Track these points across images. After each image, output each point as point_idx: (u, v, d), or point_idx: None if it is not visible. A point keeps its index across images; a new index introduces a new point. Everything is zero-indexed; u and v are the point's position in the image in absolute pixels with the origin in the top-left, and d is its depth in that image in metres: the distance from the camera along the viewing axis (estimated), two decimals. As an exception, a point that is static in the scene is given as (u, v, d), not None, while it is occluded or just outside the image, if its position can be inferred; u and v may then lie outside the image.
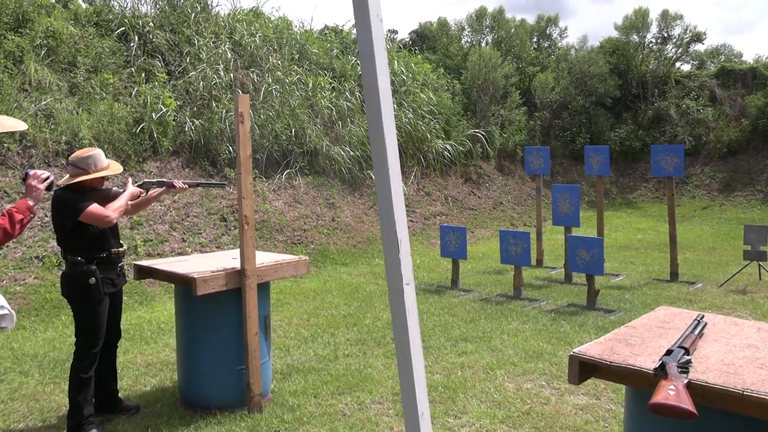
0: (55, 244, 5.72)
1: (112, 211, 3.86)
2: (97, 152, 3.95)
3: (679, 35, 21.30)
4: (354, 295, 7.66)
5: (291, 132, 11.52)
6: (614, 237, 12.31)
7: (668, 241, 8.88)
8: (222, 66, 11.41)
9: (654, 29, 21.23)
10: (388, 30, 22.57)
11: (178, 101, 10.49)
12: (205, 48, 11.56)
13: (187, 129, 10.15)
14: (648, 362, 2.17)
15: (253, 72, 11.99)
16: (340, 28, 16.41)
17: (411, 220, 12.56)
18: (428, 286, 8.25)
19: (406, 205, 12.78)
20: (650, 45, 21.32)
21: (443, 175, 14.68)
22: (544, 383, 4.67)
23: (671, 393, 1.92)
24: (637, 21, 20.97)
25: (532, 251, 8.12)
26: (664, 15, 21.20)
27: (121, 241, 4.12)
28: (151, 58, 10.95)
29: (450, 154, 14.74)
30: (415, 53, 18.63)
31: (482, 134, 16.07)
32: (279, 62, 12.65)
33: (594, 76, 19.64)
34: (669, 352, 2.16)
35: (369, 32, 0.95)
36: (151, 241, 8.48)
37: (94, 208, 3.79)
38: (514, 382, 4.73)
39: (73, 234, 3.83)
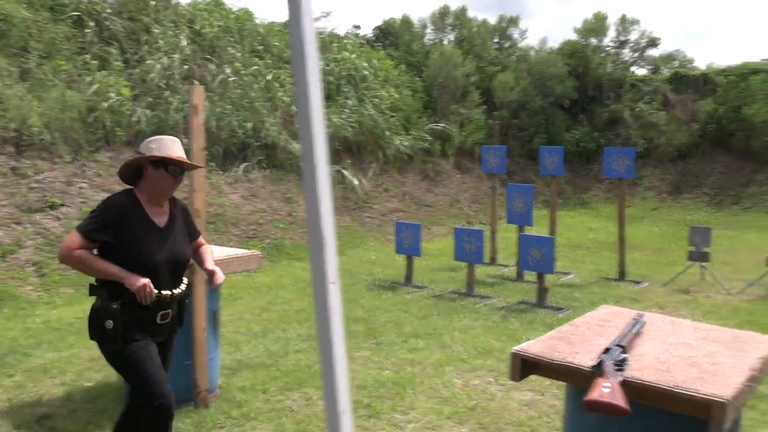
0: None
1: (66, 248, 2.79)
2: (168, 138, 3.03)
3: (635, 40, 21.76)
4: (307, 290, 7.64)
5: (249, 125, 11.41)
6: (567, 236, 12.53)
7: (618, 241, 9.08)
8: (180, 56, 11.22)
9: (612, 33, 21.66)
10: (353, 25, 22.56)
11: (133, 90, 10.28)
12: (163, 37, 11.34)
13: (141, 119, 9.95)
14: (587, 360, 2.23)
15: (212, 63, 11.82)
16: (302, 21, 16.28)
17: (368, 216, 12.57)
18: (382, 282, 8.27)
19: (365, 201, 12.79)
20: (607, 49, 21.73)
21: (402, 172, 14.72)
22: (491, 379, 4.74)
23: (606, 390, 1.97)
24: (596, 25, 21.34)
25: (486, 249, 8.22)
26: (622, 20, 21.63)
27: (183, 277, 3.11)
28: (107, 45, 10.70)
29: (409, 150, 14.79)
30: (378, 49, 18.62)
31: (441, 132, 16.16)
32: (239, 54, 12.51)
33: (552, 78, 19.91)
34: (607, 351, 2.21)
35: (300, 30, 0.95)
36: (102, 232, 8.30)
37: (75, 235, 2.80)
38: (462, 378, 4.78)
39: (102, 251, 2.87)
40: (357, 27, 21.97)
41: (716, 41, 45.26)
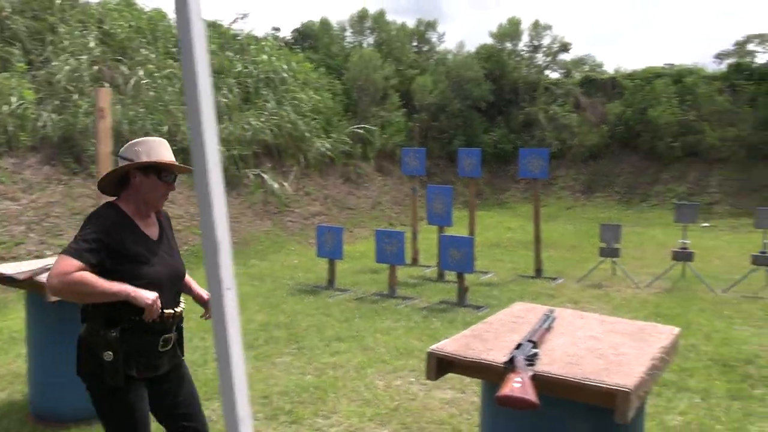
0: None
1: (61, 274, 2.29)
2: (155, 140, 2.61)
3: (548, 45, 22.52)
4: (228, 297, 7.47)
5: (164, 128, 11.08)
6: (486, 236, 12.80)
7: (534, 240, 9.35)
8: (88, 57, 10.78)
9: (525, 38, 22.33)
10: (272, 28, 22.28)
11: (38, 93, 9.79)
12: (70, 37, 10.86)
13: (47, 123, 9.49)
14: (499, 356, 2.27)
15: (123, 64, 11.41)
16: (219, 22, 15.98)
17: (290, 220, 12.45)
18: (304, 287, 8.20)
19: (286, 205, 12.66)
20: (522, 53, 22.38)
21: (323, 175, 14.66)
22: (413, 379, 4.77)
23: (517, 385, 2.01)
24: (511, 29, 21.95)
25: (407, 250, 8.28)
26: (535, 25, 22.33)
27: (180, 298, 2.70)
28: (8, 45, 10.15)
29: (330, 153, 14.75)
30: (297, 52, 18.49)
31: (362, 134, 16.20)
32: (153, 55, 12.13)
33: (470, 81, 20.33)
34: (518, 346, 2.26)
35: (189, 31, 0.92)
36: (4, 243, 7.86)
37: (66, 259, 2.32)
38: (384, 379, 4.80)
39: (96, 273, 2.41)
40: (276, 29, 21.76)
41: (623, 47, 47.45)
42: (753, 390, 4.67)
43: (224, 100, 12.66)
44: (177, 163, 2.61)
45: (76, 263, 2.30)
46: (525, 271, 9.31)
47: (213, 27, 15.52)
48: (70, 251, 2.34)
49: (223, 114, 12.49)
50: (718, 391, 4.61)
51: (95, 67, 10.82)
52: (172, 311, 2.54)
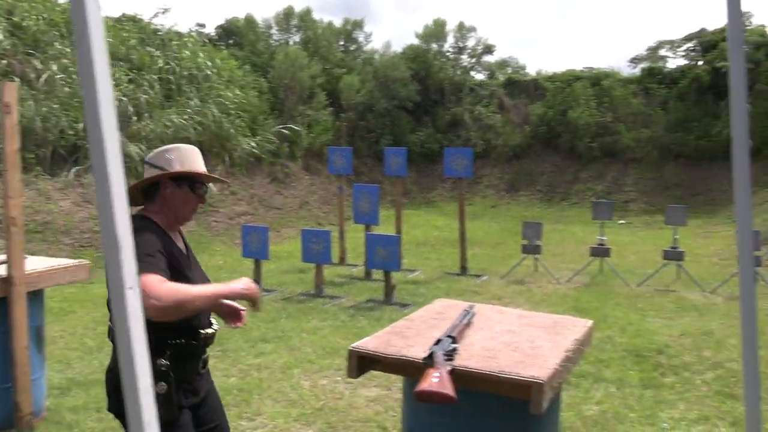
0: None
1: (167, 291, 1.99)
2: (188, 147, 2.37)
3: (472, 46, 22.96)
4: (149, 300, 7.26)
5: (81, 126, 10.65)
6: (413, 234, 12.93)
7: (459, 238, 9.50)
8: (-4, 50, 10.25)
9: (451, 39, 22.69)
10: (196, 23, 21.77)
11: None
12: (-26, 29, 10.30)
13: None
14: (420, 353, 2.29)
15: (35, 59, 10.90)
16: (139, 17, 15.50)
17: (215, 221, 12.21)
18: (230, 288, 8.05)
19: (210, 205, 12.40)
20: (447, 54, 22.72)
21: (249, 174, 14.45)
22: (339, 378, 4.76)
23: (435, 380, 2.04)
24: (436, 30, 22.25)
25: (334, 249, 8.26)
26: (460, 27, 22.73)
27: (212, 318, 2.46)
28: None
29: (256, 152, 14.56)
30: (221, 49, 18.14)
31: (289, 133, 16.06)
32: (68, 49, 11.64)
33: (397, 81, 20.48)
34: (438, 342, 2.29)
35: (83, 15, 0.88)
36: None
37: (152, 278, 2.01)
38: (310, 379, 4.77)
39: None
40: (201, 25, 21.30)
41: (544, 49, 48.88)
42: (663, 378, 4.90)
43: (145, 96, 12.29)
44: (213, 175, 2.43)
45: (158, 276, 2.03)
46: (451, 268, 9.45)
47: (133, 21, 15.04)
48: (148, 268, 2.04)
49: (143, 111, 12.12)
50: (632, 381, 4.81)
51: (4, 61, 10.30)
52: (212, 331, 2.36)
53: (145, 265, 2.02)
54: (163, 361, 2.14)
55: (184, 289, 2.04)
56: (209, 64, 14.85)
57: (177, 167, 2.25)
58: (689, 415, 4.17)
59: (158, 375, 2.11)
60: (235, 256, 10.21)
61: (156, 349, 2.04)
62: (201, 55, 14.92)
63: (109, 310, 2.11)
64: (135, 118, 11.81)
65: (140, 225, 2.17)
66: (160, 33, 14.93)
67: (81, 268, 4.20)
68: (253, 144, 14.50)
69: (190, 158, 2.31)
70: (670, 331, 6.20)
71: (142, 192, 2.32)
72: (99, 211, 0.92)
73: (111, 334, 2.19)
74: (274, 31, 21.41)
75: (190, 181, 2.30)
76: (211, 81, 14.53)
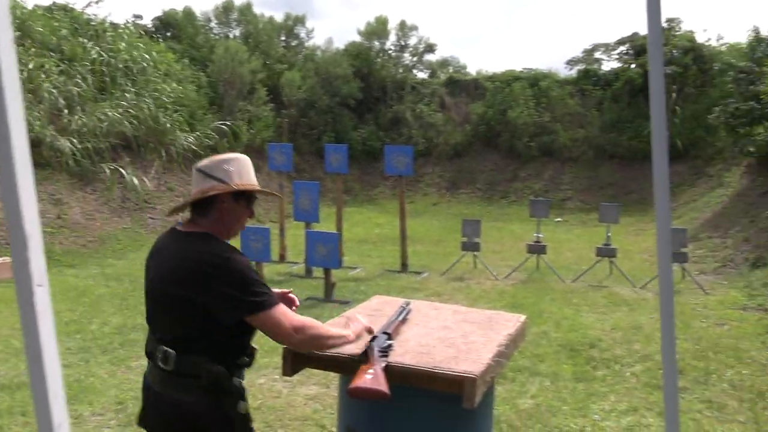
0: None
1: (296, 325, 2.11)
2: (244, 158, 2.22)
3: (414, 45, 23.09)
4: (80, 300, 7.02)
5: None
6: (355, 232, 12.92)
7: (400, 235, 9.55)
8: None
9: (393, 37, 22.76)
10: (133, 15, 21.16)
11: None
12: None
13: None
14: (355, 350, 2.28)
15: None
16: (71, 6, 14.96)
17: (151, 217, 11.90)
18: (166, 286, 7.87)
19: (146, 201, 12.09)
20: (389, 52, 22.79)
21: (187, 170, 14.14)
22: (276, 377, 4.71)
23: (369, 377, 2.03)
24: (378, 28, 22.28)
25: (274, 247, 8.17)
26: (402, 25, 22.82)
27: None
28: None
29: (195, 148, 14.26)
30: (159, 41, 17.69)
31: (229, 129, 15.80)
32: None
33: (339, 78, 20.42)
34: (374, 339, 2.29)
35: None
36: None
37: (278, 310, 2.06)
38: (248, 378, 4.69)
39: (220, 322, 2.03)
40: (138, 17, 20.70)
41: (484, 49, 49.57)
42: (595, 371, 5.04)
43: (77, 89, 11.87)
44: (268, 190, 2.41)
45: (284, 308, 2.08)
46: (392, 266, 9.49)
47: (64, 11, 14.51)
48: (269, 304, 2.04)
49: (75, 104, 11.71)
50: (566, 374, 4.94)
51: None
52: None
53: (269, 298, 2.04)
54: (238, 380, 2.09)
55: (322, 327, 2.15)
56: (146, 56, 14.47)
57: (236, 180, 2.11)
58: (619, 407, 4.30)
59: (239, 395, 2.08)
60: (172, 254, 9.99)
61: (231, 368, 2.06)
62: (137, 47, 14.51)
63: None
64: (66, 111, 11.39)
65: (225, 247, 2.07)
66: (93, 23, 14.45)
67: (3, 266, 4.02)
68: (191, 139, 14.20)
69: (246, 170, 2.17)
70: (602, 325, 6.38)
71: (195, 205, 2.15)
72: (4, 205, 0.88)
73: (201, 371, 2.02)
74: (213, 24, 21.04)
75: (248, 196, 2.18)
76: (148, 74, 14.16)
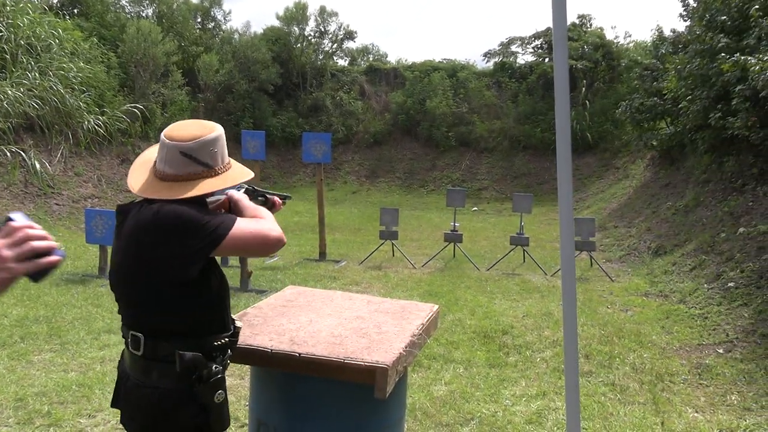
0: None
1: (273, 224, 1.94)
2: (220, 132, 2.03)
3: (334, 31, 22.94)
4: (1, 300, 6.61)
5: None
6: (273, 220, 12.75)
7: (318, 224, 9.49)
8: None
9: (312, 23, 22.53)
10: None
11: None
12: None
13: None
14: (266, 341, 2.24)
15: None
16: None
17: (56, 203, 11.33)
18: (72, 276, 7.52)
19: (51, 186, 11.49)
20: (309, 38, 22.55)
21: (96, 154, 13.54)
22: (189, 369, 4.59)
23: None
24: (297, 13, 21.99)
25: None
26: (322, 11, 22.61)
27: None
28: None
29: (104, 131, 13.65)
30: (65, 18, 16.77)
31: (141, 112, 15.21)
32: None
33: (257, 63, 20.04)
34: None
35: None
36: None
37: (252, 223, 1.90)
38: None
39: (186, 294, 1.83)
40: (40, -9, 19.53)
41: (403, 39, 49.89)
42: (508, 358, 5.18)
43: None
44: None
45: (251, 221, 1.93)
46: (310, 254, 9.43)
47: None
48: (232, 219, 1.85)
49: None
50: (479, 361, 5.05)
51: None
52: (240, 324, 2.11)
53: (225, 218, 1.86)
54: (217, 367, 1.86)
55: (265, 214, 2.02)
56: (51, 33, 13.69)
57: (220, 164, 2.01)
58: (529, 391, 4.44)
59: (217, 384, 1.85)
60: (80, 242, 9.55)
61: (208, 353, 1.85)
62: (41, 23, 13.70)
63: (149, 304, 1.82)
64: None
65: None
66: (-9, -4, 13.54)
67: None
68: (100, 121, 13.58)
69: (224, 146, 2.06)
70: (514, 312, 6.56)
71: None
72: None
73: (154, 338, 1.82)
74: (125, 2, 20.15)
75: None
76: (52, 52, 13.40)
